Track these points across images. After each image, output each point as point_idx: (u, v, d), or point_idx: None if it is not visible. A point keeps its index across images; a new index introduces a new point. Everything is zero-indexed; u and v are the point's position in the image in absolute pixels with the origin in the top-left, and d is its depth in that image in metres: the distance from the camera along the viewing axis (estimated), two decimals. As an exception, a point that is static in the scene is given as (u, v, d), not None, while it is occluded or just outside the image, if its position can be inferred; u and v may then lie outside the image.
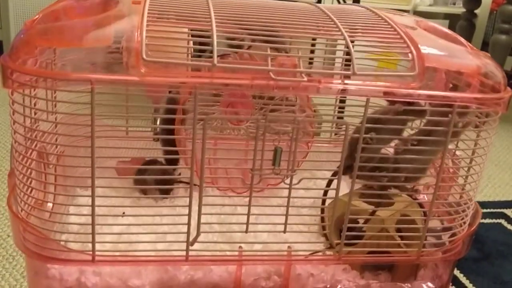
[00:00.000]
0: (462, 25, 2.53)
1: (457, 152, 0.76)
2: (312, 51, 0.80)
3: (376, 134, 0.68)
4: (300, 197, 0.72)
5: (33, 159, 0.67)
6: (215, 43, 0.60)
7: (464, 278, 1.10)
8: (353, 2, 1.79)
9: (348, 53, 0.64)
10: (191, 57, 0.71)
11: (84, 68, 0.66)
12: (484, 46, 2.66)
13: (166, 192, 0.87)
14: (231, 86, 0.62)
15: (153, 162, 0.90)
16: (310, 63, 0.74)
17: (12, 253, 1.02)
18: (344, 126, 0.64)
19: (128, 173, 0.86)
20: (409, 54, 0.65)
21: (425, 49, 0.66)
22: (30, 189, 0.67)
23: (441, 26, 0.81)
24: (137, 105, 0.76)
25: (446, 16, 3.03)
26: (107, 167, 0.75)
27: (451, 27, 2.87)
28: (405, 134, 0.74)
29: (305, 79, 0.61)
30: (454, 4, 3.00)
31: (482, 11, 2.71)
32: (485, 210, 1.40)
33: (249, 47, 0.69)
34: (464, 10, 2.55)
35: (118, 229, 0.71)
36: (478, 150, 0.71)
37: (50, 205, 0.73)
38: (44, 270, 0.69)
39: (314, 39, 0.80)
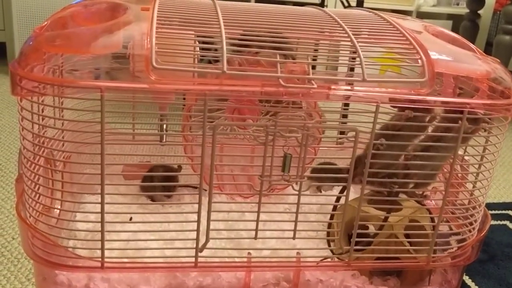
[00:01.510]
0: (466, 26, 2.53)
1: (466, 158, 0.76)
2: (315, 56, 0.80)
3: (389, 141, 0.67)
4: (309, 203, 0.72)
5: (41, 165, 0.67)
6: (224, 50, 0.60)
7: (470, 280, 1.10)
8: (357, 3, 1.78)
9: (354, 59, 0.63)
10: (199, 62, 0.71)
11: (89, 73, 0.65)
12: (488, 47, 2.65)
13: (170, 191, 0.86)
14: (241, 93, 0.61)
15: (159, 167, 0.90)
16: (313, 67, 0.73)
17: (17, 256, 1.02)
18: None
19: (135, 177, 0.86)
20: (419, 60, 0.65)
21: (434, 55, 0.66)
22: (38, 195, 0.67)
23: (449, 31, 0.80)
24: (143, 112, 0.76)
25: (450, 16, 3.02)
26: (115, 173, 0.75)
27: (454, 27, 2.87)
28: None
29: (315, 85, 0.61)
30: (458, 4, 2.99)
31: (486, 12, 2.71)
32: (489, 212, 1.39)
33: (257, 52, 0.69)
34: (467, 10, 2.55)
35: (126, 235, 0.71)
36: (487, 155, 0.71)
37: (58, 211, 0.73)
38: (53, 276, 0.69)
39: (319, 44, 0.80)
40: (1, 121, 1.71)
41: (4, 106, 1.85)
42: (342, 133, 0.96)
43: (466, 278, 1.10)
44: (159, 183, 0.82)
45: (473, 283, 1.08)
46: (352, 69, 0.86)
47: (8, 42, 2.22)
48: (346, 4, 1.89)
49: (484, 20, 2.73)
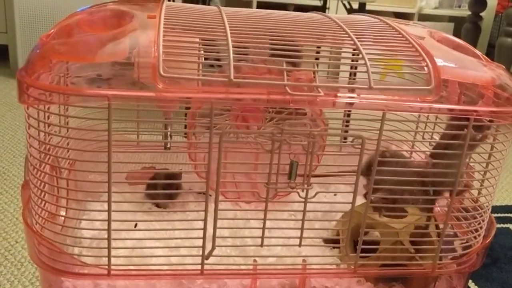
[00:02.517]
0: (468, 28, 2.53)
1: (472, 164, 0.75)
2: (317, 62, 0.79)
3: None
4: (314, 211, 0.71)
5: (47, 172, 0.67)
6: (231, 58, 0.60)
7: (473, 284, 1.10)
8: (359, 6, 1.78)
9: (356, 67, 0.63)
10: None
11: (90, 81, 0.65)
12: (490, 49, 2.65)
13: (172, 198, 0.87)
14: (247, 101, 0.61)
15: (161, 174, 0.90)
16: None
17: (20, 260, 1.02)
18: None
19: (139, 183, 0.86)
20: (425, 67, 0.65)
21: (440, 62, 0.66)
22: (43, 202, 0.67)
23: (454, 37, 0.80)
24: (148, 120, 0.76)
25: (451, 19, 3.02)
26: (120, 181, 0.75)
27: (456, 30, 2.87)
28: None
29: (322, 93, 0.61)
30: (460, 7, 2.99)
31: (488, 14, 2.71)
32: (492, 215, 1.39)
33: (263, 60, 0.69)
34: (469, 13, 2.55)
35: (132, 243, 0.71)
36: (493, 162, 0.71)
37: (63, 218, 0.73)
38: (59, 283, 0.69)
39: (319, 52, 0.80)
40: (3, 124, 1.71)
41: (6, 109, 1.85)
42: (345, 139, 0.96)
43: (469, 282, 1.10)
44: (163, 191, 0.82)
45: (476, 287, 1.08)
46: (355, 75, 0.87)
47: (10, 45, 2.22)
48: (348, 6, 1.89)
49: (486, 22, 2.73)
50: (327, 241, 0.79)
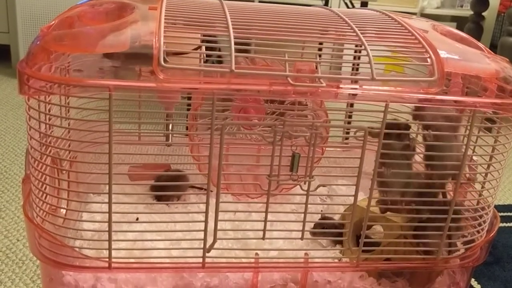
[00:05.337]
0: (470, 28, 2.52)
1: (475, 158, 0.75)
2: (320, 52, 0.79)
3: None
4: (315, 203, 0.71)
5: (48, 165, 0.67)
6: (232, 49, 0.59)
7: (476, 282, 1.09)
8: (361, 4, 1.78)
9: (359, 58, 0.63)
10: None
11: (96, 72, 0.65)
12: (492, 49, 2.64)
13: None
14: (248, 92, 0.61)
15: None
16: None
17: (22, 258, 1.02)
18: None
19: (141, 179, 0.86)
20: (428, 59, 0.64)
21: (443, 54, 0.66)
22: (44, 195, 0.67)
23: (457, 31, 0.80)
24: (150, 111, 0.76)
25: (454, 18, 3.01)
26: (122, 173, 0.75)
27: (458, 29, 2.85)
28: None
29: (324, 84, 0.60)
30: (462, 6, 2.98)
31: (490, 14, 2.70)
32: (495, 214, 1.39)
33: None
34: (471, 12, 2.54)
35: (133, 236, 0.70)
36: (496, 156, 0.70)
37: (64, 211, 0.73)
38: (59, 277, 0.69)
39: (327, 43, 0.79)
40: (5, 123, 1.71)
41: (8, 108, 1.85)
42: (348, 133, 0.96)
43: (472, 281, 1.09)
44: (167, 183, 0.81)
45: (479, 286, 1.08)
46: (357, 69, 0.86)
47: (13, 45, 2.22)
48: (350, 6, 1.89)
49: (488, 22, 2.72)
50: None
